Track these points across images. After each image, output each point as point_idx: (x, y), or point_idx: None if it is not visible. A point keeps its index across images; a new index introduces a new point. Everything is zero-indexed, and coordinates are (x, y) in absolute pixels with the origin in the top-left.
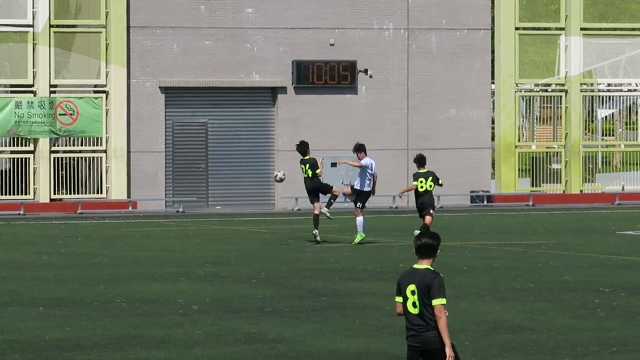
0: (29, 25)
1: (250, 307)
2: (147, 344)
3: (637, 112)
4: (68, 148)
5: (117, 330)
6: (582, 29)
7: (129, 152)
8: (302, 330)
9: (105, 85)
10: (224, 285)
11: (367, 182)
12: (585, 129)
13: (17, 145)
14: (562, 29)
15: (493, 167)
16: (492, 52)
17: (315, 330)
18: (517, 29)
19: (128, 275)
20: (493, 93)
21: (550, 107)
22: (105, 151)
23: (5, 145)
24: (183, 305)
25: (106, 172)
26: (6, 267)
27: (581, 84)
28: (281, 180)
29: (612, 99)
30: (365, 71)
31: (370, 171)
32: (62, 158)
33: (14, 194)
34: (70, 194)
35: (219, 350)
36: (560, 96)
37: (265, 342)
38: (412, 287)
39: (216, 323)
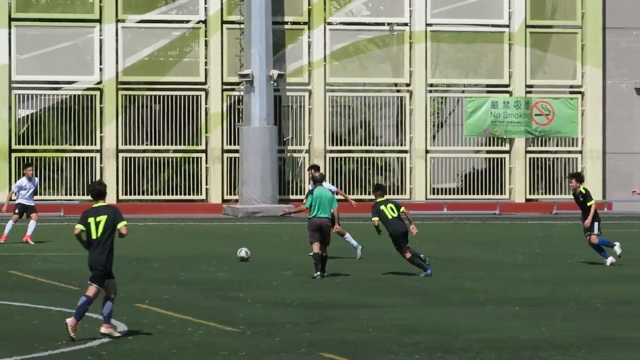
0: (505, 26)
1: None
2: (621, 347)
3: None
4: (543, 148)
5: (592, 331)
6: None
7: (604, 153)
8: None
9: (580, 86)
10: None
11: None
12: None
13: (493, 145)
14: None
15: None
16: None
17: None
18: None
19: (603, 276)
20: None
21: None
22: (580, 152)
23: (481, 145)
24: None
25: (581, 173)
26: (482, 267)
27: None
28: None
29: None
30: None
31: None
32: (537, 158)
33: (489, 194)
34: (545, 194)
35: None
36: None
37: None
38: None
39: None
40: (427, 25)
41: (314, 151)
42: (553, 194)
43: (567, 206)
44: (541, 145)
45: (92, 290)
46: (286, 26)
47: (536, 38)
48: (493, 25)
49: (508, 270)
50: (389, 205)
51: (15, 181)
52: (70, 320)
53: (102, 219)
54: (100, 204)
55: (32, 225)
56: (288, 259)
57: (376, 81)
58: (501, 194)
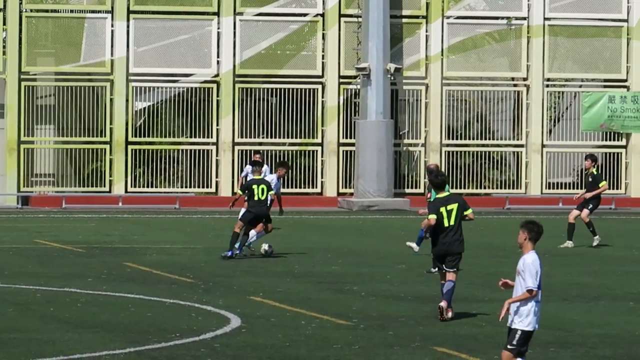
0: (623, 20)
1: None
2: None
3: None
4: None
5: None
6: None
7: None
8: None
9: None
10: None
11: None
12: None
13: (610, 140)
14: None
15: None
16: None
17: None
18: None
19: None
20: None
21: None
22: None
23: (598, 140)
24: None
25: None
26: (597, 261)
27: None
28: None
29: None
30: None
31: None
32: None
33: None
34: None
35: None
36: None
37: None
38: None
39: None
40: (545, 19)
41: (430, 145)
42: None
43: None
44: None
45: (451, 275)
46: (404, 20)
47: None
48: (611, 20)
49: (623, 265)
50: None
51: (129, 173)
52: (443, 304)
53: (454, 207)
54: (446, 193)
55: None
56: (403, 252)
57: (493, 75)
58: (617, 188)
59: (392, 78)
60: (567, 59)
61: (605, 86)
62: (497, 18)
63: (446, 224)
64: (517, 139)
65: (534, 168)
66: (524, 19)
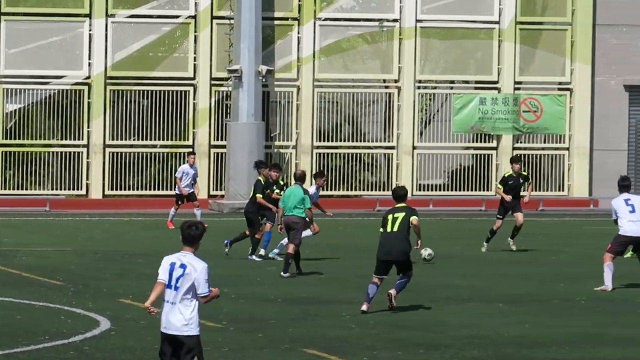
0: (495, 22)
1: None
2: (604, 344)
3: None
4: (530, 145)
5: (576, 328)
6: None
7: (591, 150)
8: None
9: (569, 83)
10: None
11: None
12: None
13: (480, 142)
14: None
15: None
16: None
17: None
18: None
19: (588, 273)
20: None
21: None
22: (567, 149)
23: (469, 142)
24: None
25: (568, 169)
26: (468, 263)
27: None
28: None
29: None
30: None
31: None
32: (524, 155)
33: (475, 190)
34: (531, 191)
35: None
36: None
37: None
38: None
39: None
40: (417, 21)
41: (301, 147)
42: (539, 191)
43: (553, 203)
44: (528, 142)
45: (376, 279)
46: (276, 22)
47: (526, 34)
48: (483, 22)
49: (494, 267)
50: None
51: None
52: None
53: (400, 215)
54: (402, 204)
55: (197, 213)
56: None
57: (365, 77)
58: (487, 190)
59: (263, 80)
60: (438, 61)
61: (476, 88)
62: (369, 20)
63: (388, 229)
64: (388, 141)
65: (404, 170)
66: (396, 20)
